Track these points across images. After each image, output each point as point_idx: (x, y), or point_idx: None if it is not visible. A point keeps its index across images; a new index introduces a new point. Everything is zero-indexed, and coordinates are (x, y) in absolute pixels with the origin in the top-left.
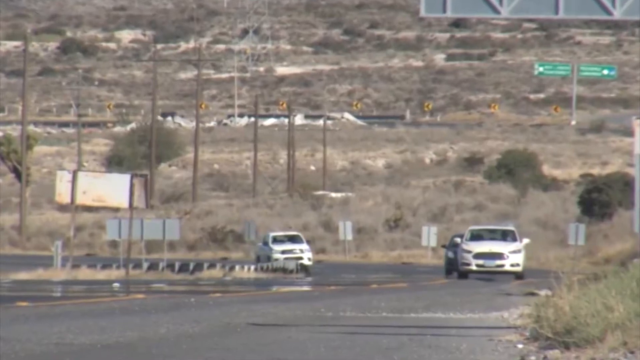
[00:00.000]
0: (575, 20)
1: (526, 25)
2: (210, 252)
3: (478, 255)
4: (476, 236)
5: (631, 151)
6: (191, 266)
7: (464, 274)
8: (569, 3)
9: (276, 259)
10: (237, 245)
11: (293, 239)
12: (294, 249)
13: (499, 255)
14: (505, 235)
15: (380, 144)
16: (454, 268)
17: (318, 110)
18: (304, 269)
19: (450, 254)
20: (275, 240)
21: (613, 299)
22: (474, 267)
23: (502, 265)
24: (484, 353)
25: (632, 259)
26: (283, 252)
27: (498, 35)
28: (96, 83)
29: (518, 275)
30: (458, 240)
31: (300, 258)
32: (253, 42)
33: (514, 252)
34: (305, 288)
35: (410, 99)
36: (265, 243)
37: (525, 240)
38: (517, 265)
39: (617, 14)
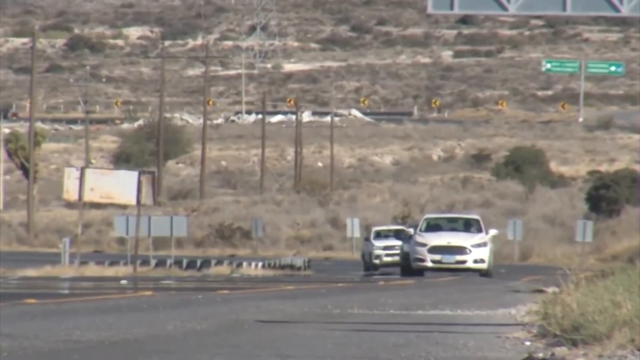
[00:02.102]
0: (583, 17)
1: (533, 22)
2: (217, 249)
3: (434, 249)
4: (433, 226)
5: (638, 148)
6: (199, 263)
7: (418, 272)
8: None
9: (377, 256)
10: (244, 242)
11: (398, 234)
12: (397, 245)
13: (460, 250)
14: (468, 226)
15: (388, 140)
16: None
17: (325, 107)
18: None
19: (406, 248)
20: (379, 235)
21: (621, 295)
22: (429, 264)
23: (464, 262)
24: (491, 350)
25: (639, 256)
26: (385, 248)
27: (505, 32)
28: (104, 80)
29: (483, 273)
30: (411, 231)
31: None
32: (261, 38)
33: (478, 245)
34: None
35: (418, 96)
36: (367, 238)
37: (493, 232)
38: (482, 261)
39: (625, 11)
